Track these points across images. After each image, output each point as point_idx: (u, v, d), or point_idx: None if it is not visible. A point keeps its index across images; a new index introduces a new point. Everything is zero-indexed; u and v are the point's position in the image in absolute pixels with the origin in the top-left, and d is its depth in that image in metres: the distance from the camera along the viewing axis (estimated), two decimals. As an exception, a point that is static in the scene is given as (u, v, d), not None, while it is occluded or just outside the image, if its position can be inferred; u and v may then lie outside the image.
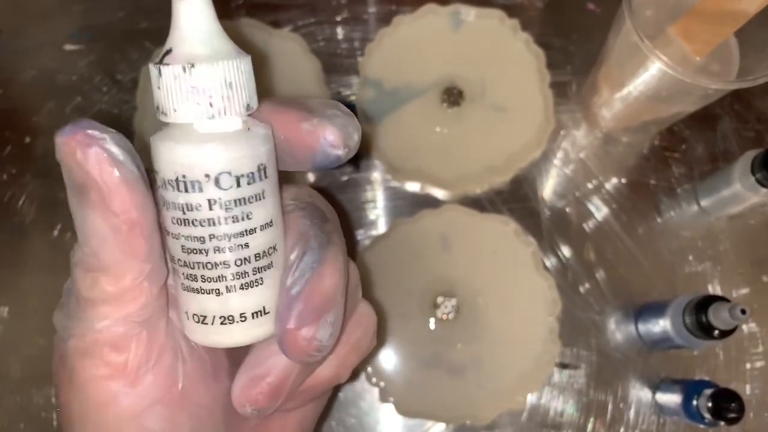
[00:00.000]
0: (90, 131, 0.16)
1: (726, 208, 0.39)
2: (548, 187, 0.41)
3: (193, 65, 0.16)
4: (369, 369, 0.38)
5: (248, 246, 0.17)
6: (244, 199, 0.17)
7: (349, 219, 0.40)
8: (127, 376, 0.17)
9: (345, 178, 0.41)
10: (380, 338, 0.38)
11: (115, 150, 0.16)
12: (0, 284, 0.40)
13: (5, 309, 0.39)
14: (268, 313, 0.18)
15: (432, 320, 0.38)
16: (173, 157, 0.16)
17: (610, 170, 0.41)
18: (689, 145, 0.41)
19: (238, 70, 0.16)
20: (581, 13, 0.44)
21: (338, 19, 0.44)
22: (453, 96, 0.41)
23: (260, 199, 0.17)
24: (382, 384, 0.37)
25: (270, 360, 0.19)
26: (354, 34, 0.43)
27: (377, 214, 0.41)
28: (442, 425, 0.37)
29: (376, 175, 0.41)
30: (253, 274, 0.17)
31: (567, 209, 0.40)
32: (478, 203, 0.40)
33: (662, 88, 0.33)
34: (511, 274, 0.39)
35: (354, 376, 0.26)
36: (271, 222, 0.18)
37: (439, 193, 0.41)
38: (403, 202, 0.41)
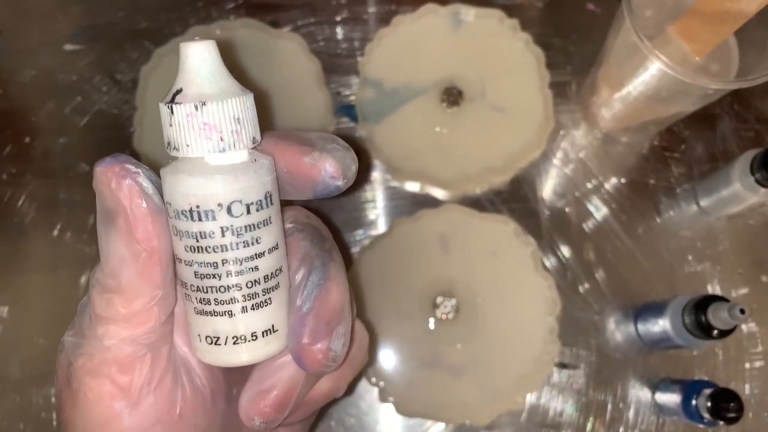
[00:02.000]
0: (126, 165, 0.17)
1: (725, 207, 0.39)
2: (548, 187, 0.41)
3: (204, 103, 0.17)
4: (368, 369, 0.38)
5: (258, 269, 0.18)
6: (254, 225, 0.18)
7: (341, 234, 0.40)
8: (130, 396, 0.18)
9: (345, 178, 0.41)
10: (378, 341, 0.38)
11: (146, 184, 0.18)
12: (0, 284, 0.40)
13: (5, 309, 0.39)
14: (277, 330, 0.19)
15: (431, 320, 0.38)
16: (187, 188, 0.17)
17: (609, 170, 0.41)
18: (689, 145, 0.41)
19: (244, 106, 0.18)
20: (581, 13, 0.44)
21: (338, 19, 0.44)
22: (453, 96, 0.41)
23: (267, 225, 0.18)
24: (381, 384, 0.38)
25: (276, 374, 0.20)
26: (354, 34, 0.43)
27: (377, 214, 0.41)
28: (441, 425, 0.37)
29: (376, 175, 0.41)
30: (263, 295, 0.18)
31: (566, 209, 0.41)
32: (478, 203, 0.40)
33: (662, 88, 0.33)
34: (510, 274, 0.39)
35: (349, 390, 0.27)
36: (276, 245, 0.19)
37: (439, 193, 0.41)
38: (402, 202, 0.41)
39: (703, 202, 0.40)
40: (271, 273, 0.18)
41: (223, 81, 0.18)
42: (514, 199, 0.41)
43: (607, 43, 0.35)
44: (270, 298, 0.19)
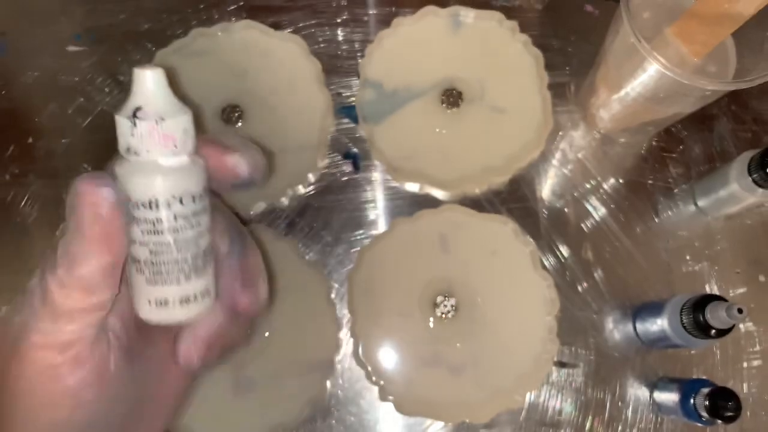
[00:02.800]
0: (104, 181, 0.21)
1: (723, 208, 0.39)
2: (546, 188, 0.41)
3: (163, 119, 0.21)
4: (369, 368, 0.38)
5: (199, 245, 0.23)
6: (197, 211, 0.22)
7: (341, 233, 0.41)
8: (74, 363, 0.22)
9: (345, 178, 0.41)
10: (380, 337, 0.38)
11: (111, 192, 0.21)
12: (1, 284, 0.40)
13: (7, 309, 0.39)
14: (210, 291, 0.24)
15: (431, 319, 0.38)
16: (146, 185, 0.22)
17: (608, 170, 0.41)
18: (686, 146, 0.41)
19: (189, 121, 0.22)
20: (579, 15, 0.44)
21: (338, 20, 0.44)
22: (452, 97, 0.41)
23: (206, 210, 0.23)
24: (381, 383, 0.38)
25: (206, 322, 0.25)
26: (354, 35, 0.44)
27: (377, 214, 0.41)
28: (441, 424, 0.38)
29: (376, 175, 0.42)
30: (203, 265, 0.23)
31: (565, 209, 0.41)
32: (477, 203, 0.41)
33: (660, 90, 0.33)
34: (509, 274, 0.39)
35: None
36: (210, 226, 0.24)
37: (439, 193, 0.41)
38: (402, 202, 0.41)
39: (701, 203, 0.40)
40: (208, 247, 0.23)
41: (172, 100, 0.22)
42: (513, 199, 0.41)
43: (606, 45, 0.36)
44: (206, 266, 0.23)
